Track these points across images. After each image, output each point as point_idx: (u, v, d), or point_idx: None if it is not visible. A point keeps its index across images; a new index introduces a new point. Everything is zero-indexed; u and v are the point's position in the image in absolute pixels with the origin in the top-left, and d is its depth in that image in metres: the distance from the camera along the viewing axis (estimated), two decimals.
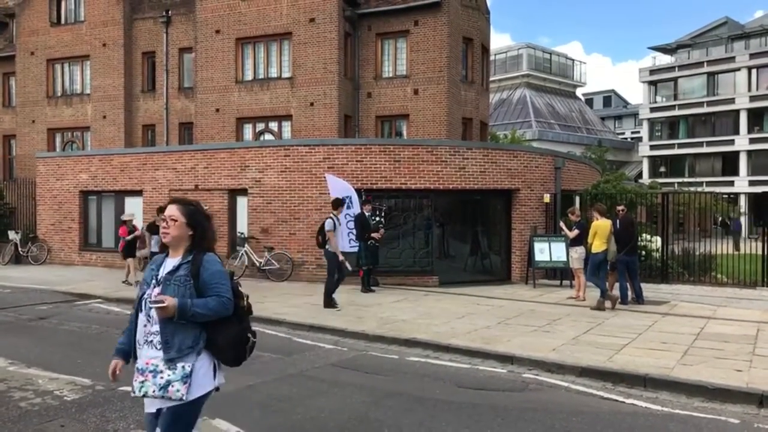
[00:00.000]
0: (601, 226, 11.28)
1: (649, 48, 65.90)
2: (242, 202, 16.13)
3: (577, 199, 16.55)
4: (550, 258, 14.49)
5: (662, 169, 54.46)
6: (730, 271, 15.47)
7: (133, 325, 3.42)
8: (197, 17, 23.24)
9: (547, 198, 15.69)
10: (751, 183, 48.88)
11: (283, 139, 21.62)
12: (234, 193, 16.25)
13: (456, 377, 7.05)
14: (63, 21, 26.42)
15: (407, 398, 6.18)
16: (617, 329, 9.36)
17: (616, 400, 6.26)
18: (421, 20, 22.06)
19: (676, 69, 56.02)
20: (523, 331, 9.28)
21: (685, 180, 49.00)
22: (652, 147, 56.67)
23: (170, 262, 3.42)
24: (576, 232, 12.41)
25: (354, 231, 13.70)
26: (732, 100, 51.68)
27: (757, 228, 27.62)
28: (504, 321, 10.09)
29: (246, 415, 5.67)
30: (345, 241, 11.74)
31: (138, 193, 17.81)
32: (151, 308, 3.27)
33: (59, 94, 26.55)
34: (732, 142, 51.53)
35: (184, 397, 3.17)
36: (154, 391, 3.17)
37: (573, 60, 60.82)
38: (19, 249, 19.56)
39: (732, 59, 52.12)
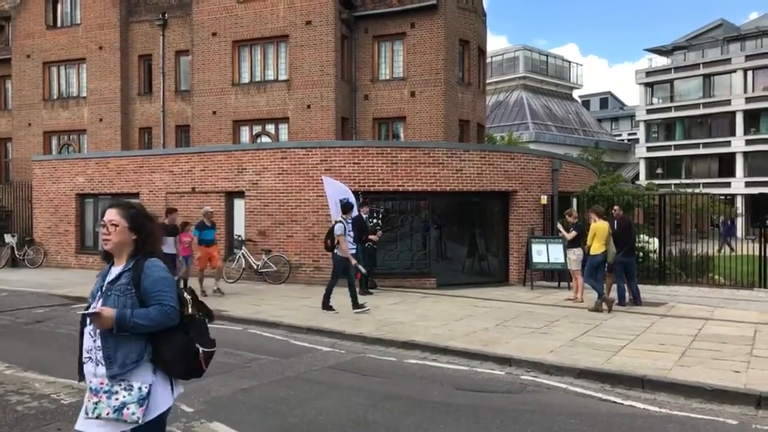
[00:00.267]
0: (600, 227, 11.29)
1: (645, 50, 65.97)
2: (239, 205, 16.12)
3: (574, 200, 16.56)
4: (548, 260, 14.49)
5: (659, 171, 54.60)
6: (727, 273, 15.49)
7: (81, 342, 3.17)
8: (194, 20, 23.23)
9: (544, 200, 15.71)
10: (748, 184, 49.03)
11: (280, 141, 21.61)
12: (231, 196, 16.23)
13: (454, 379, 7.04)
14: (59, 24, 26.38)
15: (405, 400, 6.17)
16: (615, 331, 9.36)
17: (615, 402, 6.25)
18: (417, 22, 22.08)
19: (672, 71, 56.21)
20: (521, 332, 9.28)
21: (682, 181, 49.12)
22: (649, 149, 56.82)
23: (114, 271, 3.21)
24: (573, 233, 12.42)
25: (351, 233, 13.71)
26: (728, 102, 51.86)
27: (754, 229, 27.66)
28: (502, 323, 10.08)
29: (243, 417, 5.65)
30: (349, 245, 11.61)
31: (135, 195, 17.75)
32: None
33: (55, 97, 26.50)
34: (728, 143, 51.68)
35: (140, 420, 2.96)
36: (108, 414, 2.95)
37: (569, 62, 61.00)
38: (16, 252, 19.50)
39: (728, 61, 52.32)
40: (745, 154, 50.87)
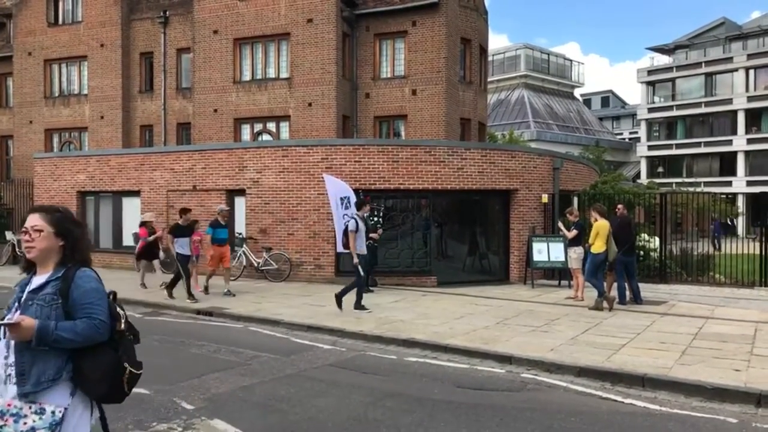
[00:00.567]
0: (603, 226, 11.28)
1: (647, 48, 66.07)
2: (240, 203, 16.12)
3: (575, 199, 16.56)
4: (549, 258, 14.49)
5: (660, 170, 54.56)
6: (728, 271, 15.48)
7: None
8: (195, 17, 23.22)
9: (545, 198, 15.70)
10: (749, 183, 48.98)
11: (281, 139, 21.61)
12: (232, 194, 16.23)
13: (454, 377, 7.04)
14: (60, 21, 26.39)
15: (406, 398, 6.17)
16: (615, 329, 9.36)
17: (615, 400, 6.26)
18: (419, 21, 22.06)
19: (674, 69, 56.14)
20: (521, 331, 9.28)
21: (684, 180, 49.08)
22: (650, 147, 56.77)
23: (36, 280, 2.89)
24: (575, 232, 12.42)
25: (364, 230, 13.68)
26: (730, 101, 51.79)
27: (755, 228, 27.63)
28: (502, 321, 10.08)
29: (244, 415, 5.66)
30: (363, 243, 11.40)
31: (136, 193, 17.79)
32: (7, 334, 2.73)
33: (56, 95, 26.51)
34: (730, 142, 51.63)
35: None
36: None
37: (571, 60, 60.92)
38: (17, 250, 19.51)
39: (730, 60, 52.24)
40: (747, 153, 50.81)
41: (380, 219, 14.31)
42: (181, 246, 12.34)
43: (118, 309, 2.97)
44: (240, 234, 15.92)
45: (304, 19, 21.79)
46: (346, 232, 11.32)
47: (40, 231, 2.87)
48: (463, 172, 14.94)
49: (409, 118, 22.16)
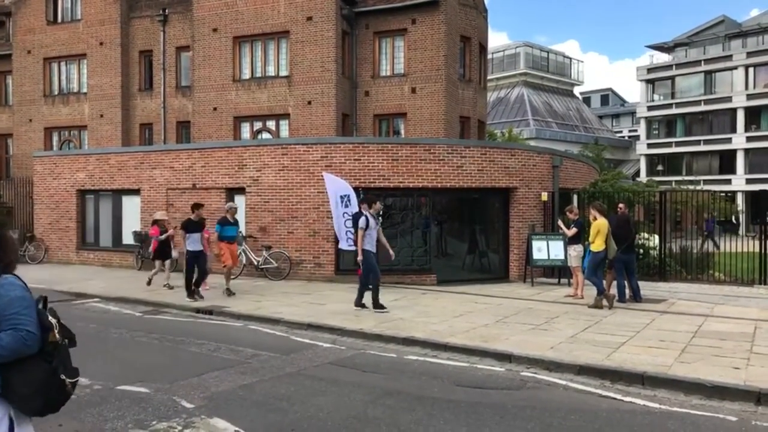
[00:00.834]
0: (603, 225, 11.29)
1: (646, 46, 66.24)
2: (240, 201, 16.10)
3: (575, 197, 16.56)
4: (548, 256, 14.49)
5: (660, 168, 54.58)
6: (727, 269, 15.49)
7: None
8: (194, 15, 23.19)
9: (544, 196, 15.70)
10: (749, 181, 49.02)
11: (280, 137, 21.60)
12: (232, 192, 16.21)
13: (454, 376, 7.05)
14: (59, 19, 26.35)
15: (405, 397, 6.18)
16: (615, 327, 9.37)
17: (615, 398, 6.26)
18: (418, 19, 22.04)
19: (674, 67, 56.15)
20: (521, 329, 9.29)
21: (683, 178, 49.11)
22: (650, 145, 56.80)
23: None
24: (574, 230, 12.43)
25: (352, 230, 13.71)
26: (729, 99, 51.80)
27: (755, 226, 27.64)
28: (502, 319, 10.09)
29: (244, 413, 5.66)
30: (373, 243, 11.12)
31: (136, 192, 17.78)
32: None
33: (56, 93, 26.48)
34: (729, 140, 51.66)
35: None
36: None
37: (570, 58, 60.88)
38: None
39: (729, 57, 52.25)
40: (746, 150, 50.84)
41: (380, 217, 14.28)
42: (193, 242, 12.15)
43: (50, 318, 2.73)
44: (240, 232, 15.90)
45: (303, 17, 21.77)
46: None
47: None
48: (462, 170, 14.94)
49: (409, 116, 22.15)
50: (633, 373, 6.85)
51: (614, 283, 11.91)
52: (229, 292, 12.51)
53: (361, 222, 10.92)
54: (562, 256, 14.11)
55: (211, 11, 22.92)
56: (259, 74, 22.80)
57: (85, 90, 25.82)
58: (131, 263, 17.56)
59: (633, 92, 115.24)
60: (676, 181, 48.31)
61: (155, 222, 14.17)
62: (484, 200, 15.97)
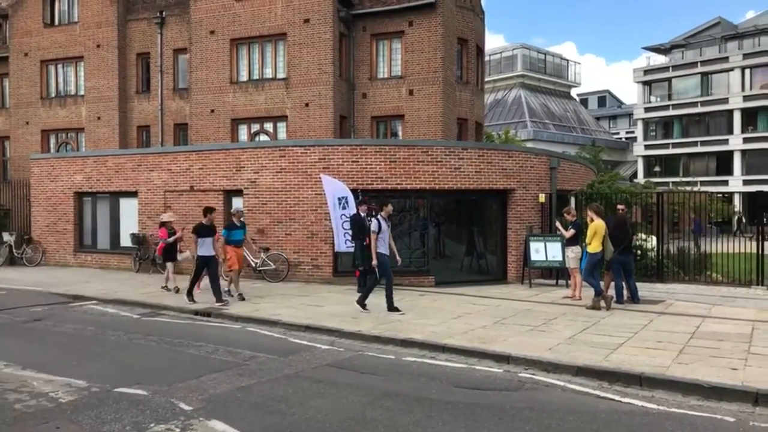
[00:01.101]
0: (600, 226, 11.31)
1: (643, 48, 66.39)
2: (238, 203, 16.10)
3: (573, 198, 16.58)
4: (546, 258, 14.50)
5: (657, 169, 54.66)
6: (725, 270, 15.51)
7: None
8: (192, 18, 23.19)
9: (542, 198, 15.72)
10: (746, 182, 49.11)
11: (278, 139, 21.59)
12: (229, 194, 16.21)
13: (452, 377, 7.05)
14: (56, 22, 26.31)
15: (404, 398, 6.18)
16: (613, 328, 9.38)
17: (613, 399, 6.27)
18: (415, 21, 22.06)
19: (670, 69, 56.30)
20: (519, 330, 9.29)
21: (680, 180, 49.21)
22: (647, 147, 56.90)
23: None
24: (572, 231, 12.44)
25: (350, 232, 13.73)
26: (726, 100, 51.94)
27: (752, 227, 27.71)
28: (500, 321, 10.10)
29: (242, 415, 5.66)
30: (386, 246, 11.02)
31: (133, 194, 17.77)
32: None
33: (53, 96, 26.44)
34: (726, 141, 51.78)
35: None
36: None
37: (567, 60, 60.97)
38: (14, 251, 19.47)
39: (725, 59, 52.41)
40: (743, 152, 50.96)
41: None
42: (205, 246, 11.91)
43: None
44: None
45: (300, 19, 21.78)
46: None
47: None
48: (460, 171, 14.96)
49: (407, 118, 22.17)
50: (631, 374, 6.86)
51: (612, 284, 11.93)
52: (241, 297, 12.35)
53: (374, 226, 10.90)
54: (559, 258, 14.12)
55: (209, 13, 22.92)
56: (256, 76, 22.80)
57: (82, 92, 25.78)
58: (129, 265, 17.53)
59: (630, 94, 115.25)
60: (673, 182, 48.43)
61: (163, 224, 13.87)
62: (481, 202, 15.99)
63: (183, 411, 5.76)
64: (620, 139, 67.12)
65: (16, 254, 19.41)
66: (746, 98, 50.77)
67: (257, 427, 5.38)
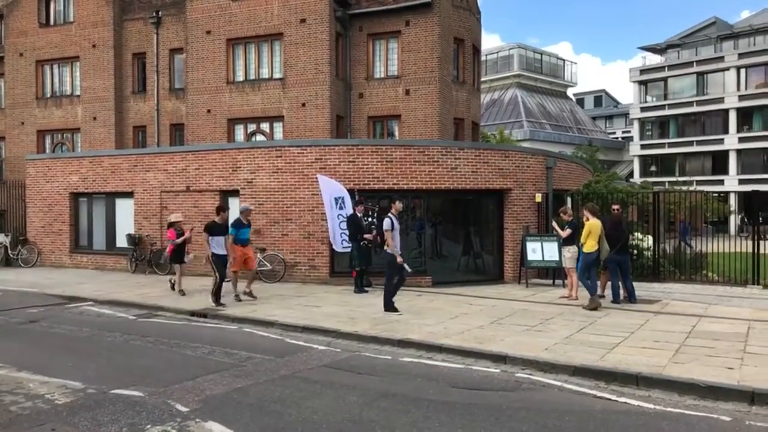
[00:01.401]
0: (595, 226, 11.32)
1: (639, 48, 66.70)
2: (234, 203, 16.07)
3: (569, 198, 16.60)
4: (543, 257, 14.51)
5: (653, 169, 54.78)
6: (721, 270, 15.55)
7: None
8: (188, 18, 23.16)
9: (538, 197, 15.73)
10: (741, 182, 49.26)
11: (274, 140, 21.58)
12: (226, 195, 16.19)
13: (449, 377, 7.05)
14: (52, 22, 26.24)
15: (401, 399, 6.17)
16: (609, 328, 9.39)
17: (609, 399, 6.28)
18: (412, 21, 22.08)
19: (666, 69, 56.42)
20: (516, 330, 9.30)
21: (676, 179, 49.33)
22: (643, 146, 57.02)
23: None
24: (569, 231, 12.45)
25: (346, 232, 13.72)
26: (721, 100, 52.08)
27: (747, 227, 27.79)
28: (497, 321, 10.10)
29: (238, 416, 5.65)
30: (397, 242, 10.99)
31: (129, 194, 17.72)
32: None
33: (48, 96, 26.37)
34: (722, 141, 51.93)
35: None
36: None
37: (564, 60, 61.03)
38: (9, 252, 19.41)
39: (721, 59, 52.54)
40: (739, 151, 51.12)
41: (374, 219, 14.29)
42: (218, 245, 11.80)
43: None
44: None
45: (297, 19, 21.77)
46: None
47: None
48: (456, 171, 14.96)
49: (403, 118, 22.17)
50: (627, 373, 6.86)
51: (609, 284, 11.95)
52: (237, 298, 12.23)
53: (386, 224, 10.87)
54: (556, 258, 14.14)
55: (205, 13, 22.89)
56: (252, 76, 22.78)
57: (78, 92, 25.72)
58: (125, 266, 17.49)
59: (626, 93, 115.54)
60: (669, 181, 48.55)
61: (171, 224, 13.63)
62: (478, 202, 15.99)
63: (179, 412, 5.75)
64: (616, 138, 67.26)
65: (11, 255, 19.35)
66: (741, 98, 50.92)
67: (254, 428, 5.37)
